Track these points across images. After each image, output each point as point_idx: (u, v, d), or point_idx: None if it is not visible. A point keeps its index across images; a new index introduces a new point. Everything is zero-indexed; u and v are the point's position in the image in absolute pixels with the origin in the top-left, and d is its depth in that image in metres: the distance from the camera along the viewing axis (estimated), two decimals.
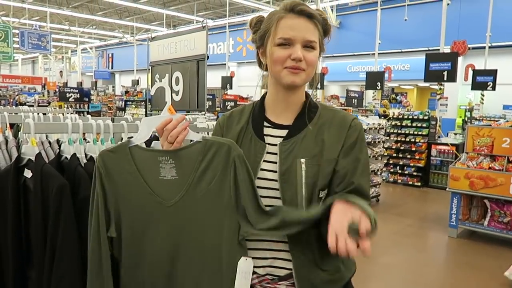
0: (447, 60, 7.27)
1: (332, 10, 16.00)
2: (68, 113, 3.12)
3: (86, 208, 1.20)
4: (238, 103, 8.89)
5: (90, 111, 10.67)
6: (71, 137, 1.43)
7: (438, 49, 8.61)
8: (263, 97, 1.21)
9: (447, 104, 8.32)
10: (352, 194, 1.02)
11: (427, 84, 14.90)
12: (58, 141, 1.62)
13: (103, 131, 1.48)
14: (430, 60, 7.43)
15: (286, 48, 1.05)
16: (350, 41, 15.65)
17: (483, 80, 9.15)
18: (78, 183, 1.28)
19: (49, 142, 1.71)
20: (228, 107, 7.88)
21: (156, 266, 1.10)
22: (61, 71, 26.15)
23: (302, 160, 1.06)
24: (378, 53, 11.36)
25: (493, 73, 8.99)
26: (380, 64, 12.45)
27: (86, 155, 1.44)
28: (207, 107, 7.14)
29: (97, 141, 1.47)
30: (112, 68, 27.54)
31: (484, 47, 10.15)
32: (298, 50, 1.04)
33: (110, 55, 27.78)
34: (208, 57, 1.62)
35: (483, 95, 11.36)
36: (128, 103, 12.99)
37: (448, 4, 8.49)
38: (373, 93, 12.74)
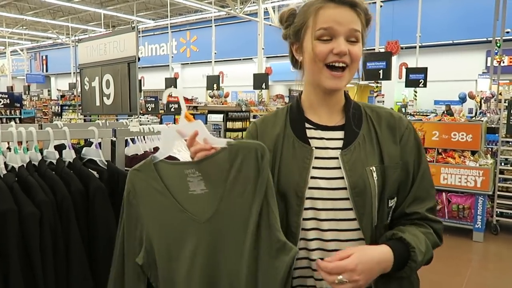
0: (382, 59, 7.64)
1: (274, 11, 16.25)
2: None
3: (4, 224, 1.11)
4: None
5: (22, 117, 9.96)
6: None
7: (374, 49, 9.06)
8: (298, 97, 1.09)
9: (384, 101, 8.76)
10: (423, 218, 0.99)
11: (366, 82, 15.64)
12: None
13: (25, 139, 1.38)
14: (366, 59, 7.75)
15: (328, 42, 0.93)
16: None
17: (416, 78, 9.72)
18: None
19: None
20: (172, 109, 7.72)
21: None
22: None
23: (373, 168, 0.96)
24: None
25: (424, 70, 9.59)
26: None
27: (7, 165, 1.34)
28: (150, 110, 6.85)
29: (19, 150, 1.36)
30: (46, 71, 25.95)
31: (415, 47, 10.83)
32: (341, 43, 0.92)
33: (44, 57, 26.16)
34: (139, 59, 1.57)
35: (416, 92, 12.11)
36: (65, 107, 12.30)
37: (381, 7, 8.97)
38: None
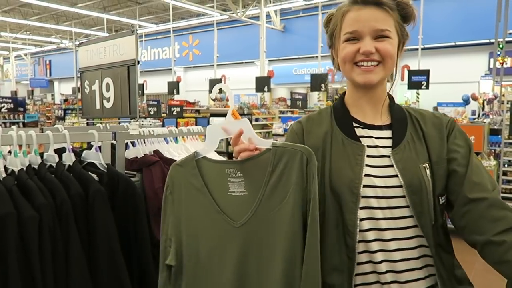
0: None
1: (276, 14, 16.29)
2: None
3: (3, 228, 1.11)
4: (184, 108, 8.75)
5: (26, 121, 10.01)
6: None
7: None
8: (342, 97, 1.09)
9: None
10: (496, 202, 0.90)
11: None
12: None
13: (25, 142, 1.38)
14: None
15: (355, 43, 0.95)
16: (295, 45, 16.02)
17: (418, 80, 9.68)
18: None
19: None
20: (174, 113, 7.73)
21: None
22: None
23: (426, 165, 0.95)
24: (322, 56, 11.71)
25: (426, 73, 9.56)
26: (323, 67, 12.85)
27: (6, 169, 1.34)
28: (152, 113, 6.87)
29: (19, 153, 1.36)
30: (50, 75, 26.07)
31: (417, 49, 10.81)
32: (367, 43, 0.93)
33: (47, 62, 26.28)
34: (138, 62, 1.57)
35: (418, 94, 12.08)
36: (68, 111, 12.37)
37: None
38: (318, 94, 13.12)
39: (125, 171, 1.62)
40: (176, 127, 1.88)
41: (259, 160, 0.92)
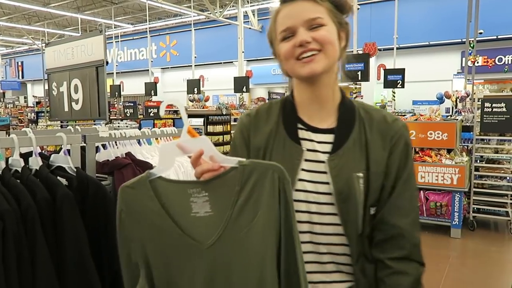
0: (360, 61, 7.74)
1: (253, 14, 16.31)
2: None
3: None
4: None
5: None
6: None
7: (352, 51, 9.17)
8: (291, 95, 1.06)
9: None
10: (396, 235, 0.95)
11: (346, 84, 15.81)
12: None
13: None
14: (344, 61, 7.86)
15: (291, 39, 0.94)
16: None
17: (394, 79, 9.84)
18: None
19: None
20: (151, 114, 7.64)
21: None
22: None
23: (360, 175, 0.94)
24: None
25: (401, 71, 9.74)
26: None
27: None
28: (128, 115, 6.74)
29: None
30: (22, 77, 25.33)
31: (392, 48, 11.01)
32: (300, 34, 0.92)
33: (19, 63, 25.54)
34: (107, 62, 1.54)
35: (394, 92, 12.30)
36: (41, 114, 12.06)
37: (358, 9, 9.09)
38: None
39: (96, 174, 1.59)
40: (154, 128, 1.85)
41: (226, 179, 0.87)
